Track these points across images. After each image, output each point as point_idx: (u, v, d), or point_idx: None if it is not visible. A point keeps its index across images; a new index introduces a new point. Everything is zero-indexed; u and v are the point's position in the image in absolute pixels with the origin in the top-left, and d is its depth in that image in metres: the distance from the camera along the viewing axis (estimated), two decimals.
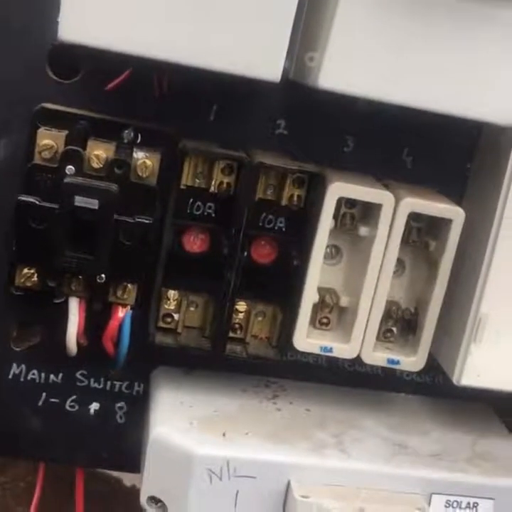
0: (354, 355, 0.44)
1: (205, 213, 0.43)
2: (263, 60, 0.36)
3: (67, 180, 0.40)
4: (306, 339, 0.43)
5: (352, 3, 0.36)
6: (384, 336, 0.45)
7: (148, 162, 0.41)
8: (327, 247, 0.43)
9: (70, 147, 0.41)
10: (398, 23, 0.36)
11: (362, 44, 0.36)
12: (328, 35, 0.36)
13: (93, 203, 0.39)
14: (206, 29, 0.36)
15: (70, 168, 0.40)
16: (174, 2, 0.35)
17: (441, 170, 0.46)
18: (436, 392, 0.49)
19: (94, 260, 0.41)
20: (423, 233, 0.44)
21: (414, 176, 0.46)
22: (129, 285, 0.43)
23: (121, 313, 0.43)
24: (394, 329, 0.45)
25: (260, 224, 0.43)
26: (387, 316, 0.44)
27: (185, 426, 0.42)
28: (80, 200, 0.39)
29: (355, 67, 0.37)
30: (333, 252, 0.45)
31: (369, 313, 0.43)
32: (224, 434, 0.41)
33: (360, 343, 0.43)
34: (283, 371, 0.48)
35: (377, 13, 0.36)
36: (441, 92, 0.38)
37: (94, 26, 0.35)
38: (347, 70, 0.37)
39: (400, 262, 0.45)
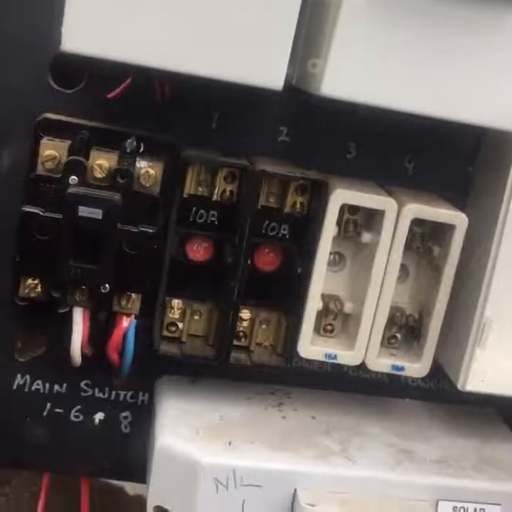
0: (358, 362, 0.44)
1: (209, 221, 0.43)
2: (265, 69, 0.36)
3: (70, 190, 0.40)
4: (311, 346, 0.43)
5: (354, 10, 0.36)
6: (388, 342, 0.45)
7: (151, 171, 0.41)
8: (331, 253, 0.43)
9: (72, 157, 0.41)
10: (399, 30, 0.36)
11: (364, 51, 0.37)
12: (331, 43, 0.36)
13: (97, 213, 0.40)
14: (207, 38, 0.36)
15: (73, 179, 0.40)
16: (175, 12, 0.35)
17: (443, 175, 0.46)
18: (442, 397, 0.49)
19: (98, 270, 0.41)
20: (426, 239, 0.44)
21: (416, 182, 0.46)
22: (133, 295, 0.43)
23: (126, 322, 0.43)
24: (398, 335, 0.45)
25: (263, 231, 0.43)
26: (391, 322, 0.45)
27: (191, 435, 0.42)
28: (83, 210, 0.39)
29: (357, 74, 0.37)
30: (337, 259, 0.45)
31: (373, 319, 0.43)
32: (230, 443, 0.41)
33: (365, 349, 0.43)
34: (288, 378, 0.47)
35: (379, 20, 0.36)
36: (443, 98, 0.38)
37: (97, 37, 0.35)
38: (349, 77, 0.37)
39: (403, 268, 0.45)
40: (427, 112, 0.38)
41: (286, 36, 0.36)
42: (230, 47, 0.36)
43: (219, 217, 0.43)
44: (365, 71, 0.37)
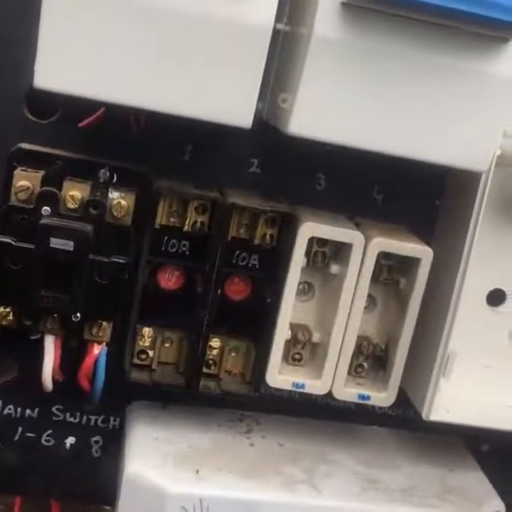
0: (326, 391, 0.44)
1: (180, 251, 0.44)
2: (234, 108, 0.37)
3: (43, 221, 0.40)
4: (279, 375, 0.44)
5: (320, 52, 0.37)
6: (355, 371, 0.46)
7: (123, 202, 0.42)
8: (300, 283, 0.44)
9: (45, 188, 0.41)
10: (370, 71, 0.37)
11: (333, 90, 0.37)
12: (300, 79, 0.37)
13: (68, 245, 0.40)
14: (177, 77, 0.37)
15: (45, 209, 0.41)
16: (145, 52, 0.36)
17: (410, 207, 0.47)
18: (408, 425, 0.50)
19: (70, 300, 0.42)
20: (393, 271, 0.45)
21: (385, 213, 0.47)
22: (104, 323, 0.43)
23: (97, 350, 0.44)
24: (365, 364, 0.46)
25: (234, 261, 0.44)
26: (358, 351, 0.45)
27: (159, 462, 0.42)
28: (55, 242, 0.40)
29: (325, 113, 0.38)
30: (306, 289, 0.46)
31: (340, 349, 0.44)
32: (197, 471, 0.42)
33: (332, 379, 0.44)
34: (257, 405, 0.48)
35: (349, 60, 0.37)
36: (407, 138, 0.38)
37: (69, 75, 0.36)
38: (318, 115, 0.38)
39: (371, 298, 0.46)
40: (392, 152, 0.39)
41: (254, 77, 0.37)
42: (198, 86, 0.37)
43: (190, 247, 0.44)
44: (334, 110, 0.38)
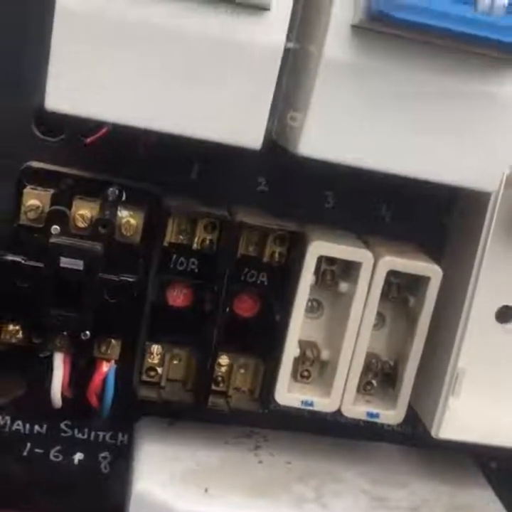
0: (334, 409, 0.44)
1: (189, 269, 0.44)
2: (244, 129, 0.37)
3: (52, 240, 0.41)
4: (287, 393, 0.44)
5: (331, 73, 0.37)
6: (364, 388, 0.46)
7: (132, 221, 0.42)
8: (309, 301, 0.44)
9: (55, 207, 0.41)
10: (376, 94, 0.37)
11: (340, 114, 0.37)
12: (308, 105, 0.37)
13: (78, 264, 0.40)
14: (186, 98, 0.37)
15: (55, 228, 0.41)
16: (153, 73, 0.36)
17: (419, 225, 0.47)
18: (418, 442, 0.50)
19: (79, 318, 0.42)
20: (403, 289, 0.45)
21: (393, 231, 0.47)
22: (113, 340, 0.43)
23: (106, 367, 0.44)
24: (374, 382, 0.46)
25: (243, 279, 0.44)
26: (367, 369, 0.45)
27: (168, 480, 0.42)
28: (65, 262, 0.40)
29: (334, 135, 0.38)
30: (315, 306, 0.46)
31: (349, 367, 0.44)
32: (206, 490, 0.42)
33: (341, 396, 0.44)
34: (265, 421, 0.48)
35: (356, 84, 0.37)
36: (416, 160, 0.39)
37: (80, 97, 0.36)
38: (326, 138, 0.38)
39: (380, 316, 0.46)
40: (402, 173, 0.39)
41: (265, 98, 0.37)
42: (207, 107, 0.37)
43: (199, 264, 0.44)
44: (344, 131, 0.38)
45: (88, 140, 0.43)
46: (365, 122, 0.37)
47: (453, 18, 0.34)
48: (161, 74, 0.36)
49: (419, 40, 0.36)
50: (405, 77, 0.37)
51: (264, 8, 0.35)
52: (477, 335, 0.44)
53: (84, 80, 0.36)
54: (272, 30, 0.36)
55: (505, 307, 0.47)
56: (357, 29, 0.36)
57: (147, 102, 0.37)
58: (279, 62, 0.36)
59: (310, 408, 0.44)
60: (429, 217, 0.48)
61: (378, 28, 0.35)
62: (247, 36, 0.36)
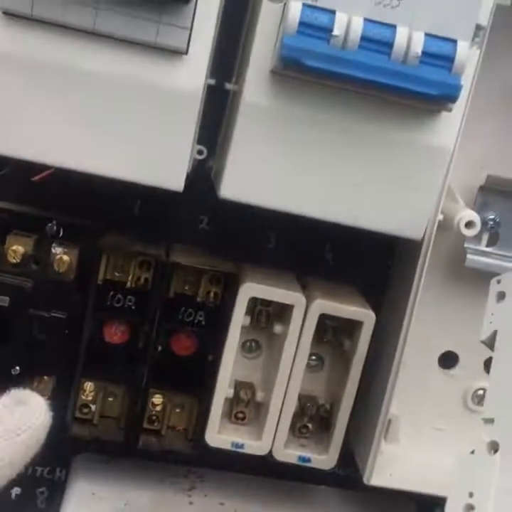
0: (265, 452, 0.44)
1: (126, 306, 0.44)
2: (165, 170, 0.37)
3: None
4: (218, 435, 0.44)
5: (250, 118, 0.37)
6: (300, 431, 0.45)
7: (66, 257, 0.42)
8: (247, 341, 0.44)
9: None
10: (294, 139, 0.37)
11: (260, 158, 0.37)
12: (228, 149, 0.37)
13: (4, 301, 0.40)
14: (108, 139, 0.37)
15: None
16: (73, 115, 0.37)
17: (361, 266, 0.47)
18: (358, 486, 0.49)
19: (8, 353, 0.42)
20: (339, 332, 0.45)
21: (335, 272, 0.47)
22: (45, 377, 0.43)
23: None
24: (309, 425, 0.45)
25: (180, 317, 0.44)
26: (302, 412, 0.45)
27: None
28: None
29: (254, 179, 0.38)
30: (253, 347, 0.46)
31: (281, 409, 0.44)
32: None
33: (272, 439, 0.44)
34: (201, 461, 0.48)
35: (275, 128, 0.37)
36: (338, 205, 0.39)
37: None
38: (246, 181, 0.38)
39: (319, 358, 0.46)
40: (326, 218, 0.39)
41: (185, 141, 0.37)
42: (130, 149, 0.37)
43: (136, 302, 0.44)
44: (264, 175, 0.38)
45: (36, 178, 0.43)
46: (285, 167, 0.37)
47: (366, 67, 0.34)
48: (81, 115, 0.36)
49: (335, 87, 0.36)
50: (325, 124, 0.37)
51: (181, 52, 0.35)
52: (419, 379, 0.43)
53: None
54: (190, 73, 0.36)
55: (449, 352, 0.47)
56: (275, 75, 0.36)
57: (70, 142, 0.37)
58: (198, 106, 0.36)
59: (241, 450, 0.44)
60: (374, 260, 0.47)
61: (292, 74, 0.35)
62: (165, 79, 0.36)
